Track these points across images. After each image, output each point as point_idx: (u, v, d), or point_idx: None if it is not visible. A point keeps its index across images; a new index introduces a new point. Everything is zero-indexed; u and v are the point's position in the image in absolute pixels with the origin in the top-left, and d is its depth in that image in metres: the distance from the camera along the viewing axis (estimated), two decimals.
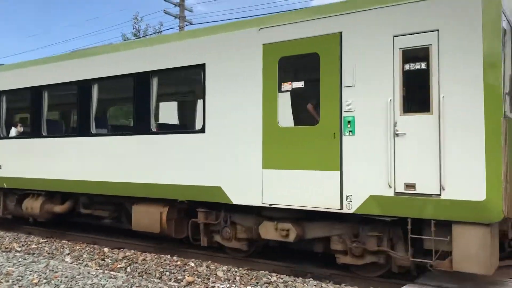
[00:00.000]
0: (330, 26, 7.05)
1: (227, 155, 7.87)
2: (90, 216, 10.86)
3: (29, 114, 11.14)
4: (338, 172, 6.81)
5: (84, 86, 9.93)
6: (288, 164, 7.18)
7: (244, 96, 7.76)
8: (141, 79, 9.03)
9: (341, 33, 6.93)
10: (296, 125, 7.67)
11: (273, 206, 7.26)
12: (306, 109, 7.62)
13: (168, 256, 8.63)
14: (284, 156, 7.28)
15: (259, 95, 7.61)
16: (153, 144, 8.72)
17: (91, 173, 9.65)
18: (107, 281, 6.81)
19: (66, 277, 6.96)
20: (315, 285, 6.61)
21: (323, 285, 6.66)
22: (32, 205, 10.73)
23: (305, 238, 7.44)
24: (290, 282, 6.81)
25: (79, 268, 7.72)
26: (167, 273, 7.64)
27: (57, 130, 12.09)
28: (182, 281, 7.19)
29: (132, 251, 9.18)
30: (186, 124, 11.77)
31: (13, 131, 12.05)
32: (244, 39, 7.81)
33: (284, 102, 7.72)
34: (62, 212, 10.82)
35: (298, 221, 7.43)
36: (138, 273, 7.71)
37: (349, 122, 6.80)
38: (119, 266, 8.19)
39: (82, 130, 9.91)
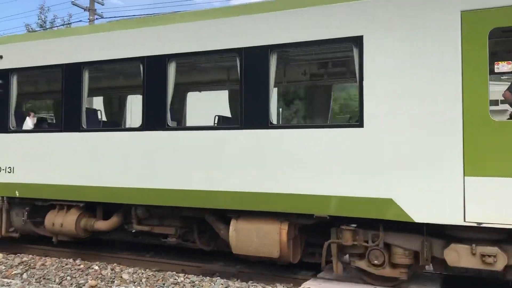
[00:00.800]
0: None
1: (402, 157, 5.93)
2: (143, 233, 8.28)
3: (60, 100, 8.22)
4: None
5: (153, 64, 7.31)
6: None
7: (430, 79, 5.89)
8: (252, 55, 6.74)
9: None
10: None
11: (483, 225, 5.60)
12: None
13: (70, 260, 8.17)
14: (503, 160, 5.52)
15: (455, 78, 5.76)
16: (272, 142, 6.60)
17: (167, 179, 7.15)
18: None
19: None
20: (222, 284, 6.62)
21: (230, 283, 6.69)
22: (63, 221, 8.06)
23: (510, 264, 5.79)
24: (197, 282, 6.76)
25: None
26: (68, 277, 7.23)
27: (105, 122, 9.61)
28: (84, 285, 6.86)
29: (30, 256, 8.58)
30: (327, 115, 8.93)
31: (28, 123, 9.18)
32: (430, 4, 6.00)
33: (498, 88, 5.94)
34: (107, 229, 8.13)
35: (499, 244, 5.78)
36: (36, 279, 7.23)
37: None
38: (14, 272, 7.62)
39: (151, 123, 7.36)
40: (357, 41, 6.19)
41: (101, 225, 8.08)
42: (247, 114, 6.73)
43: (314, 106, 9.18)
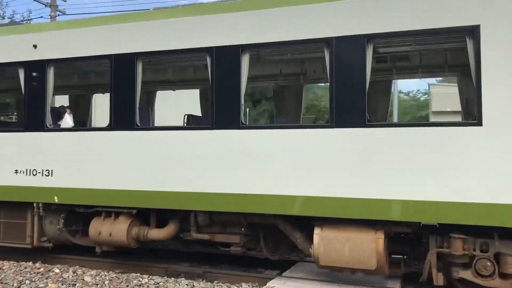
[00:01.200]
0: None
1: None
2: (201, 242, 7.44)
3: (109, 95, 7.34)
4: None
5: (224, 55, 6.48)
6: None
7: None
8: (346, 46, 5.98)
9: None
10: None
11: None
12: None
13: (30, 263, 7.92)
14: None
15: None
16: (368, 142, 5.85)
17: (249, 183, 6.30)
18: None
19: None
20: (187, 284, 6.57)
21: (195, 283, 6.64)
22: (112, 229, 7.20)
23: None
24: (161, 283, 6.68)
25: None
26: (27, 281, 7.01)
27: (166, 119, 9.11)
28: None
29: None
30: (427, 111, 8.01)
31: (68, 120, 8.32)
32: None
33: None
34: (163, 238, 7.28)
35: None
36: None
37: None
38: None
39: (223, 121, 6.50)
40: (472, 31, 5.56)
41: (156, 234, 7.25)
42: (337, 111, 6.00)
43: (415, 102, 8.11)
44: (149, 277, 6.99)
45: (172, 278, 6.93)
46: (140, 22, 7.12)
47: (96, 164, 7.19)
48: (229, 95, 6.49)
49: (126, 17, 7.50)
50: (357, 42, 5.95)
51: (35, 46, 7.65)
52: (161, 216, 7.33)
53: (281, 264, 7.63)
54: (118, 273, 7.31)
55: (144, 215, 7.34)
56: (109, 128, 7.18)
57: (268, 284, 6.36)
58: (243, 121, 6.47)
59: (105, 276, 7.13)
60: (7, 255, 8.57)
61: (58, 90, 8.89)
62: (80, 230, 7.87)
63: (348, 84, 6.00)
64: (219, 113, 6.54)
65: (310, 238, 6.29)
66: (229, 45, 6.49)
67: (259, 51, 6.93)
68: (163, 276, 7.11)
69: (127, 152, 7.03)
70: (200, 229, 7.06)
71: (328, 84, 6.21)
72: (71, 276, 7.14)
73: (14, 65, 7.84)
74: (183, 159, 6.68)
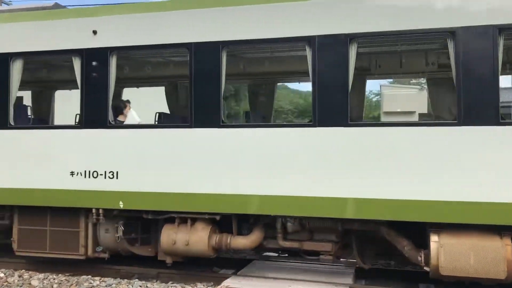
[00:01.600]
0: None
1: None
2: (287, 250, 6.84)
3: (189, 88, 6.58)
4: None
5: (328, 45, 5.90)
6: None
7: None
8: (472, 37, 5.50)
9: None
10: None
11: None
12: None
13: None
14: None
15: None
16: (500, 142, 5.34)
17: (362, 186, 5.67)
18: None
19: None
20: (140, 286, 6.45)
21: (149, 285, 6.52)
22: (189, 238, 6.49)
23: None
24: (114, 285, 6.53)
25: None
26: None
27: (262, 116, 7.96)
28: None
29: None
30: None
31: (133, 116, 7.76)
32: None
33: None
34: (248, 247, 6.61)
35: None
36: None
37: None
38: None
39: (324, 117, 5.89)
40: None
41: (242, 242, 6.54)
42: (467, 108, 5.44)
43: None
44: (100, 279, 6.80)
45: (125, 280, 6.79)
46: (226, 7, 6.44)
47: (175, 165, 6.43)
48: (335, 88, 5.89)
49: (207, 1, 6.71)
50: (485, 32, 5.48)
51: (95, 32, 6.83)
52: (240, 223, 6.74)
53: (236, 263, 7.64)
54: (67, 276, 7.07)
55: (219, 221, 6.67)
56: (189, 125, 6.47)
57: (223, 283, 6.35)
58: (351, 118, 5.93)
59: (54, 279, 6.89)
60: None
61: (122, 82, 8.26)
62: (139, 238, 7.19)
63: (478, 79, 5.50)
64: (321, 109, 5.96)
65: (417, 245, 5.96)
66: (332, 34, 5.91)
67: (369, 40, 6.29)
68: (116, 278, 6.94)
69: (212, 152, 6.32)
70: (286, 236, 6.48)
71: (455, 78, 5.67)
72: (16, 281, 6.88)
73: (67, 53, 7.03)
74: (281, 160, 6.05)
